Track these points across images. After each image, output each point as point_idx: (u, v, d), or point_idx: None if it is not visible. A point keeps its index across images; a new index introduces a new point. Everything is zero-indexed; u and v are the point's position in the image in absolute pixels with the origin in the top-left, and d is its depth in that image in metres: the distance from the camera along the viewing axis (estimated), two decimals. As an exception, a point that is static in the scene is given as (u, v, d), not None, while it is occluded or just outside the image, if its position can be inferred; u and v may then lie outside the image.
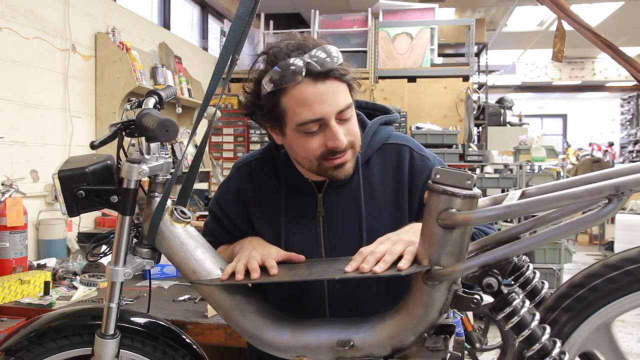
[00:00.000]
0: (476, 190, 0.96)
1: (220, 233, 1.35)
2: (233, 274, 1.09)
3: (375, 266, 0.99)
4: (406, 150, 1.26)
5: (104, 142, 1.11)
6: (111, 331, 1.13)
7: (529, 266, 1.07)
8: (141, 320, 1.21)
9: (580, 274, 0.95)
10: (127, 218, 1.12)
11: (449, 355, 1.04)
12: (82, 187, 1.10)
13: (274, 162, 1.29)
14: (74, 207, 1.12)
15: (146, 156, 1.12)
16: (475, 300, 0.99)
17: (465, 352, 2.18)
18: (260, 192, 1.29)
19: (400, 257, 1.01)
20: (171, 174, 1.18)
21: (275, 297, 1.29)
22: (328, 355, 1.06)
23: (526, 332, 0.95)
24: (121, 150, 1.16)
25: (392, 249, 1.02)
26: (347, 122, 1.15)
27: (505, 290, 0.98)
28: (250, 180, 1.31)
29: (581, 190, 0.86)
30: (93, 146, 1.09)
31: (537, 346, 0.93)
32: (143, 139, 1.12)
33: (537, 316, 0.96)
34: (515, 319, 0.96)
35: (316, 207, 1.24)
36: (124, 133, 1.13)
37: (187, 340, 1.24)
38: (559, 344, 0.93)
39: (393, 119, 1.32)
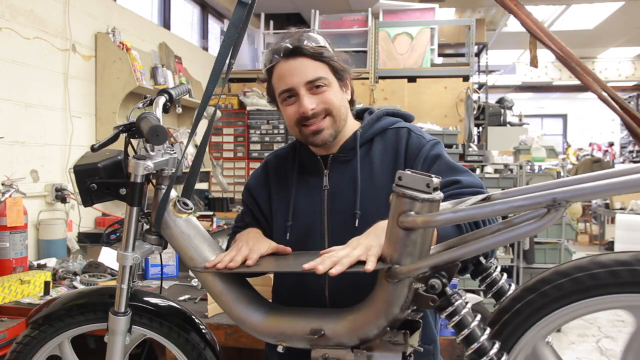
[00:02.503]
0: (436, 194, 0.99)
1: (249, 220, 1.48)
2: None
3: (332, 269, 1.04)
4: (405, 131, 1.39)
5: (104, 145, 1.23)
6: (122, 309, 1.26)
7: (496, 267, 1.13)
8: (152, 300, 1.33)
9: (532, 279, 0.97)
10: (135, 209, 1.24)
11: (411, 349, 1.09)
12: (95, 180, 1.24)
13: (295, 149, 1.47)
14: (88, 198, 1.26)
15: (151, 153, 1.23)
16: (433, 299, 1.02)
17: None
18: (279, 171, 1.47)
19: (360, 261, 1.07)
20: (172, 172, 1.28)
21: (281, 288, 1.46)
22: (302, 342, 1.15)
23: (465, 332, 0.98)
24: (130, 147, 1.27)
25: (351, 253, 1.07)
26: (321, 92, 1.31)
27: (449, 291, 1.01)
28: (275, 162, 1.50)
29: (522, 199, 0.91)
30: (93, 149, 1.21)
31: (475, 345, 0.97)
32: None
33: (479, 317, 1.00)
34: (456, 319, 0.99)
35: (322, 182, 1.39)
36: (128, 133, 1.26)
37: (196, 321, 1.34)
38: (497, 344, 0.96)
39: (406, 116, 1.46)
